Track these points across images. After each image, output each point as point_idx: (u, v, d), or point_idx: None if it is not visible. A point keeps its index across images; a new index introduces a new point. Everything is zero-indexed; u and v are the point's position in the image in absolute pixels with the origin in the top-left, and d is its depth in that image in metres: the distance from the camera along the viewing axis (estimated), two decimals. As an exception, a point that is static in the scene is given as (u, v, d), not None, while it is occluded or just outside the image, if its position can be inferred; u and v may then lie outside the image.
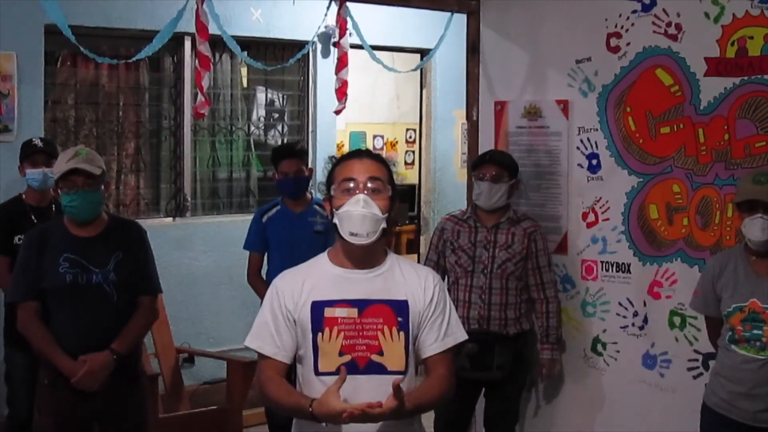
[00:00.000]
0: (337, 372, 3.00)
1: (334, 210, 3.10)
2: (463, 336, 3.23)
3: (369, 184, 3.07)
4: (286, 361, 3.13)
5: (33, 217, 5.43)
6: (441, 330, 3.16)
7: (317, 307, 3.08)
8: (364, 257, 3.13)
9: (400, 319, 3.08)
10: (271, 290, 3.19)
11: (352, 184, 3.07)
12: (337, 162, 3.18)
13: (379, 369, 3.06)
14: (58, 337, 4.22)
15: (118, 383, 4.26)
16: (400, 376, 3.01)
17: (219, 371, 7.13)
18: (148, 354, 6.23)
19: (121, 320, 4.30)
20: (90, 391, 4.19)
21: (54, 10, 4.73)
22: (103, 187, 4.32)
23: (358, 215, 3.03)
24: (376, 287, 3.11)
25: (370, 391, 3.01)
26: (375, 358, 3.06)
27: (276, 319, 3.13)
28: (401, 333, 3.09)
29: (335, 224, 3.09)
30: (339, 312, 3.06)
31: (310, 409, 2.95)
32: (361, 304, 3.06)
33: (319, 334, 3.06)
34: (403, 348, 3.08)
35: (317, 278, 3.14)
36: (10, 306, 5.09)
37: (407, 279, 3.16)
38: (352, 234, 3.04)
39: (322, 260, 3.21)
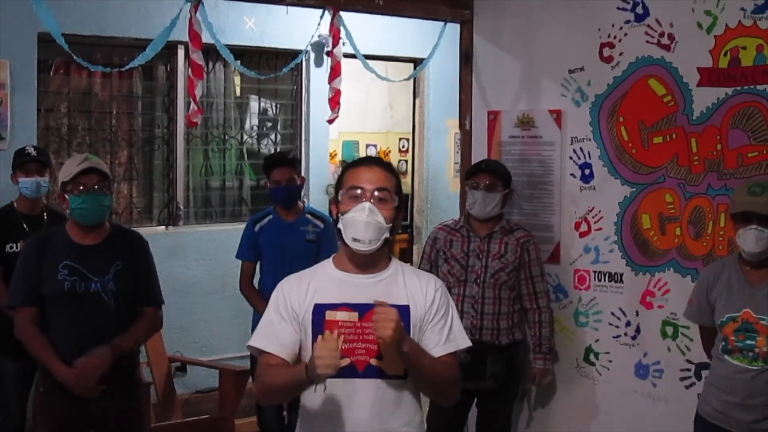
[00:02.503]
0: (335, 376, 2.99)
1: (339, 215, 3.12)
2: (465, 343, 3.25)
3: (376, 194, 3.09)
4: (288, 359, 3.13)
5: (24, 226, 5.42)
6: (443, 334, 3.17)
7: (319, 310, 3.10)
8: (367, 263, 3.15)
9: (401, 324, 3.09)
10: (276, 292, 3.21)
11: (359, 192, 3.10)
12: (347, 167, 3.21)
13: (378, 373, 3.08)
14: (56, 343, 4.20)
15: (115, 392, 4.24)
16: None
17: (211, 380, 7.12)
18: (141, 363, 6.22)
19: (119, 330, 4.27)
20: (86, 398, 4.16)
21: (47, 18, 4.72)
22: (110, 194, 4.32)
23: (362, 222, 3.06)
24: (378, 292, 3.12)
25: (368, 393, 3.06)
26: (374, 362, 3.08)
27: (281, 320, 3.15)
28: None
29: (339, 229, 3.11)
30: (340, 315, 3.08)
31: (306, 368, 2.94)
32: (362, 308, 3.07)
33: (320, 336, 3.06)
34: None
35: (321, 282, 3.17)
36: (2, 314, 5.09)
37: (409, 284, 3.18)
38: (354, 240, 3.07)
39: (326, 265, 3.24)
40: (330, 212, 5.77)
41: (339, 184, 3.18)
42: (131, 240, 4.45)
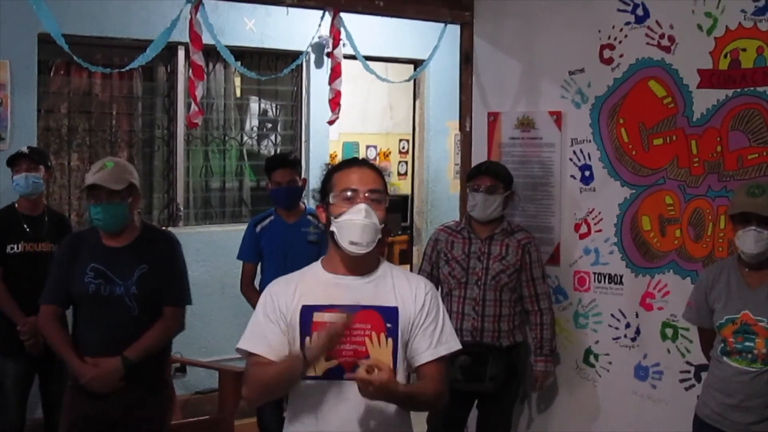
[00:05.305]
0: (323, 377, 3.04)
1: (332, 218, 3.10)
2: (456, 345, 3.23)
3: (369, 195, 3.09)
4: (275, 360, 3.11)
5: (25, 226, 5.43)
6: (433, 337, 3.16)
7: (306, 312, 3.09)
8: (359, 264, 3.14)
9: (389, 325, 3.09)
10: (264, 295, 3.20)
11: (351, 193, 3.09)
12: (335, 169, 3.19)
13: None
14: (80, 344, 4.22)
15: (139, 391, 4.24)
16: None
17: (211, 381, 7.12)
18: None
19: (142, 334, 4.26)
20: (105, 395, 4.17)
21: (48, 18, 4.73)
22: (131, 199, 4.24)
23: (360, 225, 3.05)
24: (366, 293, 3.12)
25: (356, 395, 3.02)
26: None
27: (268, 322, 3.13)
28: (389, 339, 3.09)
29: (332, 232, 3.10)
30: (328, 317, 3.06)
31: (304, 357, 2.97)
32: (350, 310, 3.05)
33: (307, 338, 3.06)
34: (390, 354, 3.09)
35: (309, 284, 3.16)
36: (2, 315, 5.10)
37: (398, 286, 3.17)
38: (352, 243, 3.06)
39: (315, 267, 3.23)
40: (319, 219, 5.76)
41: (328, 187, 3.16)
42: (159, 241, 4.40)
